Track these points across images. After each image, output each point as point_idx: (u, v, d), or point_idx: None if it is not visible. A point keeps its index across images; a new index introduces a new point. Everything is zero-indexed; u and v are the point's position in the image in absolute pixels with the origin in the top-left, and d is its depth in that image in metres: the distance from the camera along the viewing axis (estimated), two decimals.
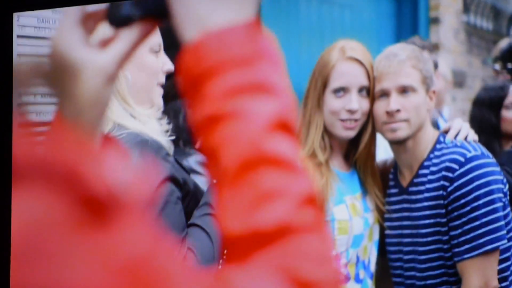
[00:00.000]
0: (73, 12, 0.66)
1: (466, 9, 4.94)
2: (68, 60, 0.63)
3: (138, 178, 0.47)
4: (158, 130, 1.30)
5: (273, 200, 0.53)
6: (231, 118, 0.56)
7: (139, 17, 0.65)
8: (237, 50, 0.57)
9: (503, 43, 2.96)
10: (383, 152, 1.98)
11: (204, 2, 0.58)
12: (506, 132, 2.28)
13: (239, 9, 0.58)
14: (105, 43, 0.65)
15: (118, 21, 0.65)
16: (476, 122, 2.27)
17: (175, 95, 1.62)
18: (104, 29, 0.66)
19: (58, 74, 0.64)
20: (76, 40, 0.64)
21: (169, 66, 1.42)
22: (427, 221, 1.71)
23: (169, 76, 1.45)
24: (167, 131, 1.32)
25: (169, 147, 1.30)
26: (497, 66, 2.75)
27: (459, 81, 4.56)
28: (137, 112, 1.29)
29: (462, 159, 1.67)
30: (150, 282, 0.43)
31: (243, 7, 0.58)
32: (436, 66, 2.37)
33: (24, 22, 1.41)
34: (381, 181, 1.83)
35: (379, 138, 1.83)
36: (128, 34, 0.64)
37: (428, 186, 1.72)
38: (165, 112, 1.45)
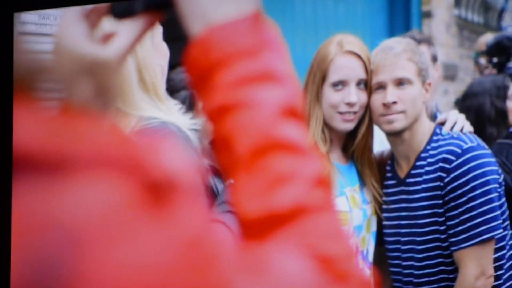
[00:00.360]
0: (75, 7, 0.67)
1: (457, 3, 4.97)
2: (73, 55, 0.65)
3: (188, 164, 0.49)
4: (185, 122, 1.31)
5: (287, 182, 0.56)
6: (241, 107, 0.58)
7: (142, 9, 0.66)
8: (243, 41, 0.59)
9: (488, 38, 2.97)
10: (379, 144, 2.00)
11: None
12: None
13: (242, 2, 0.60)
14: (108, 37, 0.66)
15: (122, 14, 0.66)
16: (485, 112, 2.26)
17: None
18: (107, 23, 0.68)
19: (62, 70, 0.65)
20: (80, 35, 0.65)
21: None
22: (424, 212, 1.74)
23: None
24: (193, 124, 1.33)
25: (195, 140, 1.32)
26: (483, 61, 2.77)
27: (451, 74, 4.59)
28: (166, 105, 1.30)
29: (458, 150, 1.70)
30: (202, 259, 0.46)
31: (245, 0, 0.60)
32: (435, 58, 2.39)
33: (25, 19, 1.42)
34: (378, 173, 1.86)
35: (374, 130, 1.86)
36: (132, 27, 0.66)
37: (425, 177, 1.74)
38: None
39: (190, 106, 1.71)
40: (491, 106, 2.30)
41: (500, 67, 2.59)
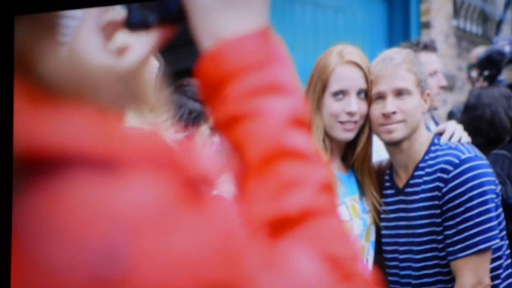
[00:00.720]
0: (92, 18, 0.69)
1: (456, 13, 5.00)
2: (87, 66, 0.66)
3: (217, 164, 0.53)
4: (167, 133, 1.32)
5: (295, 187, 0.59)
6: (251, 117, 0.61)
7: (156, 23, 0.68)
8: (252, 55, 0.62)
9: (479, 51, 2.99)
10: (375, 154, 2.02)
11: (219, 14, 0.63)
12: None
13: (251, 19, 0.63)
14: (123, 49, 0.68)
15: (136, 27, 0.68)
16: (501, 120, 2.26)
17: None
18: (122, 35, 0.69)
19: (75, 79, 0.67)
20: (95, 47, 0.67)
21: None
22: (422, 221, 1.76)
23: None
24: (175, 135, 1.35)
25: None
26: (474, 73, 2.79)
27: (449, 84, 4.61)
28: (151, 118, 1.31)
29: (456, 161, 1.72)
30: (233, 253, 0.50)
31: (254, 17, 0.64)
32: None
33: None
34: (377, 182, 1.87)
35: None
36: (146, 39, 0.68)
37: (423, 187, 1.76)
38: None
39: (198, 117, 1.73)
40: (505, 115, 2.32)
41: (491, 80, 2.61)
